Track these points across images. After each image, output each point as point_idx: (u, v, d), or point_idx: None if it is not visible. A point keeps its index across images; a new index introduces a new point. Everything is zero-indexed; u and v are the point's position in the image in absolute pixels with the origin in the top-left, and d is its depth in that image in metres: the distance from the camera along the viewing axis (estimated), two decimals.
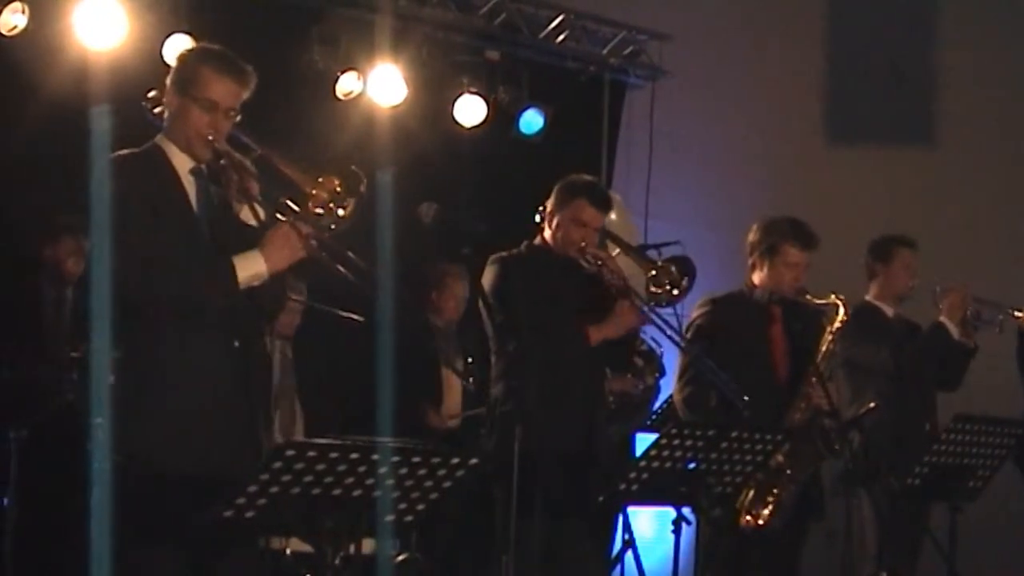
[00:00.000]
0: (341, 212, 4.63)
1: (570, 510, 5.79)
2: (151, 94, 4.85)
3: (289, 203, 4.61)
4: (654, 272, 6.05)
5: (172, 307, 4.51)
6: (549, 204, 6.05)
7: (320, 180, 4.61)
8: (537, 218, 6.11)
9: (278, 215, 4.60)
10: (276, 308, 5.13)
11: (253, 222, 4.67)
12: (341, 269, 4.64)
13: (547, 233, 6.04)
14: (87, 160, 4.54)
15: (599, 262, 5.93)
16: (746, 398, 5.86)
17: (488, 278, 5.99)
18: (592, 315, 5.95)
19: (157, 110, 4.83)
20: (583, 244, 5.92)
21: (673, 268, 6.06)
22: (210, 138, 4.60)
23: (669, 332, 6.01)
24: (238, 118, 4.68)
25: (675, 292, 6.04)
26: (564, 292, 5.92)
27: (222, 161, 4.63)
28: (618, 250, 6.21)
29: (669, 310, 6.06)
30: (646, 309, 5.95)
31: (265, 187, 4.64)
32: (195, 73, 4.66)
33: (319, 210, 4.61)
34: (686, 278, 6.06)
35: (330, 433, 6.40)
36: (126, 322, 4.49)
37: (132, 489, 4.40)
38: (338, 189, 4.62)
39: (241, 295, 4.56)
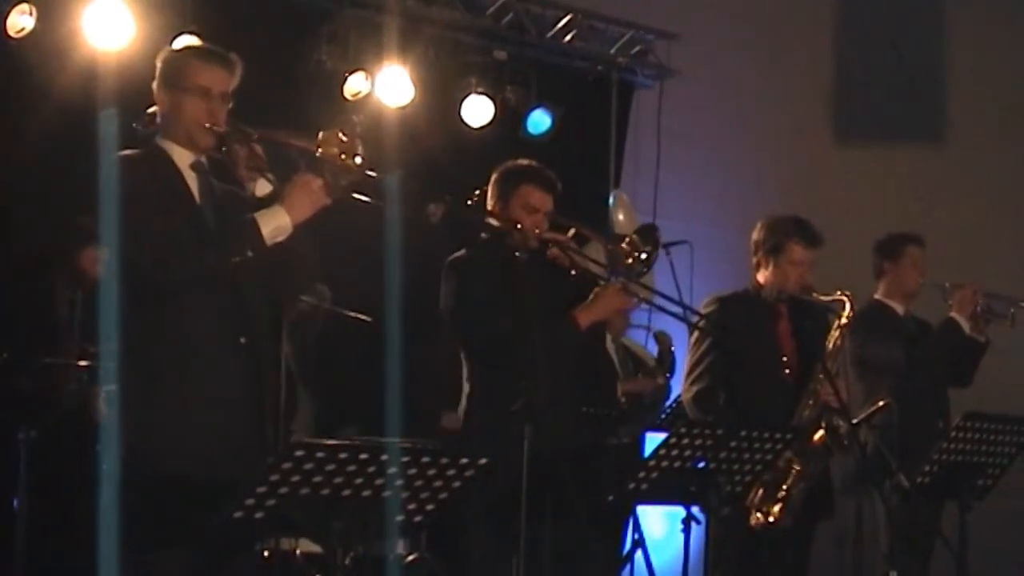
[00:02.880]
0: (358, 160, 4.63)
1: (579, 509, 5.77)
2: (151, 109, 4.86)
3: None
4: (624, 246, 5.95)
5: (192, 278, 4.52)
6: (491, 195, 5.88)
7: (321, 137, 4.63)
8: (468, 203, 5.93)
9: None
10: (300, 285, 5.11)
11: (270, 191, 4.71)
12: (372, 200, 4.70)
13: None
14: (96, 161, 4.56)
15: (559, 245, 5.77)
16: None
17: (450, 285, 5.78)
18: (567, 302, 5.82)
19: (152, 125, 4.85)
20: (536, 231, 5.76)
21: (636, 237, 5.97)
22: (208, 125, 4.63)
23: (660, 301, 5.94)
24: (231, 105, 4.71)
25: (643, 256, 5.95)
26: (532, 284, 5.68)
27: (224, 148, 4.66)
28: (573, 230, 6.05)
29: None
30: (621, 280, 5.84)
31: (273, 160, 4.67)
32: (182, 66, 4.72)
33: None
34: (649, 245, 5.95)
35: (344, 434, 6.42)
36: (134, 321, 4.50)
37: (140, 490, 4.41)
38: (343, 138, 4.63)
39: (267, 252, 4.55)
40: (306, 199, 4.60)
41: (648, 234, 5.97)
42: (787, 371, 6.37)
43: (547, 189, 5.83)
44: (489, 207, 5.88)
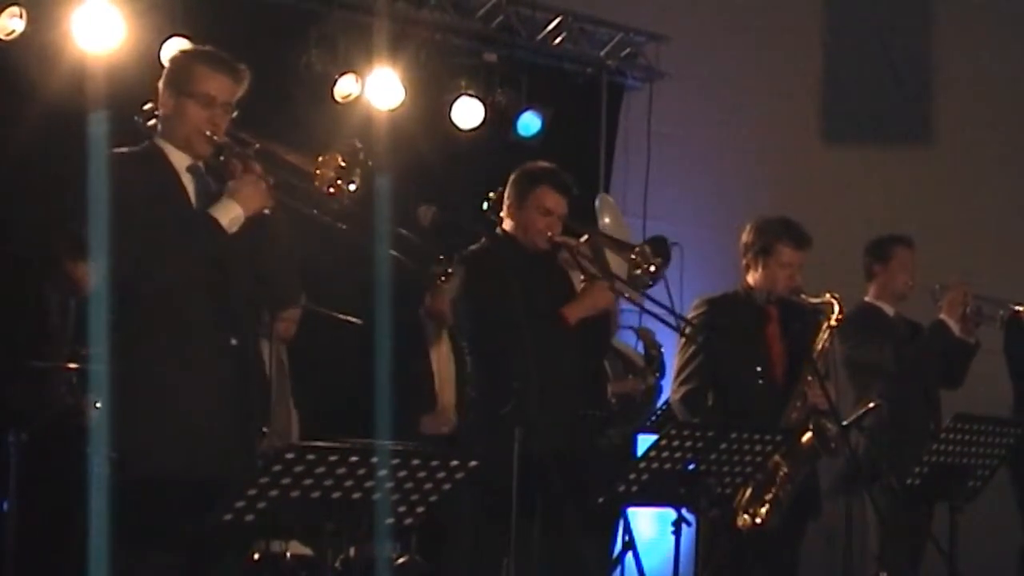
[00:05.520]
0: (352, 187, 4.63)
1: (570, 511, 5.78)
2: (147, 106, 4.85)
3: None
4: (633, 256, 5.99)
5: (170, 282, 4.53)
6: (507, 195, 5.93)
7: (321, 159, 4.62)
8: (485, 206, 5.99)
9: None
10: (288, 299, 5.13)
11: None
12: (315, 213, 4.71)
13: (507, 224, 5.92)
14: (86, 164, 4.55)
15: (569, 249, 5.84)
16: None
17: (457, 280, 5.83)
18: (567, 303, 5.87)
19: (151, 123, 4.84)
20: (549, 233, 5.83)
21: (647, 248, 6.02)
22: (208, 133, 4.62)
23: (658, 311, 5.96)
24: (235, 114, 4.71)
25: (652, 269, 5.97)
26: (536, 283, 5.78)
27: (221, 157, 4.66)
28: (586, 236, 6.10)
29: (665, 302, 6.04)
30: (619, 285, 5.88)
31: (269, 172, 4.67)
32: (189, 70, 4.70)
33: (330, 189, 4.63)
34: (659, 258, 6.00)
35: (325, 436, 6.40)
36: (124, 323, 4.51)
37: (129, 493, 4.41)
38: (342, 164, 4.62)
39: (230, 243, 4.57)
40: (257, 196, 4.61)
41: (660, 246, 6.04)
42: (776, 373, 6.39)
43: (563, 192, 5.88)
44: (505, 208, 5.92)
